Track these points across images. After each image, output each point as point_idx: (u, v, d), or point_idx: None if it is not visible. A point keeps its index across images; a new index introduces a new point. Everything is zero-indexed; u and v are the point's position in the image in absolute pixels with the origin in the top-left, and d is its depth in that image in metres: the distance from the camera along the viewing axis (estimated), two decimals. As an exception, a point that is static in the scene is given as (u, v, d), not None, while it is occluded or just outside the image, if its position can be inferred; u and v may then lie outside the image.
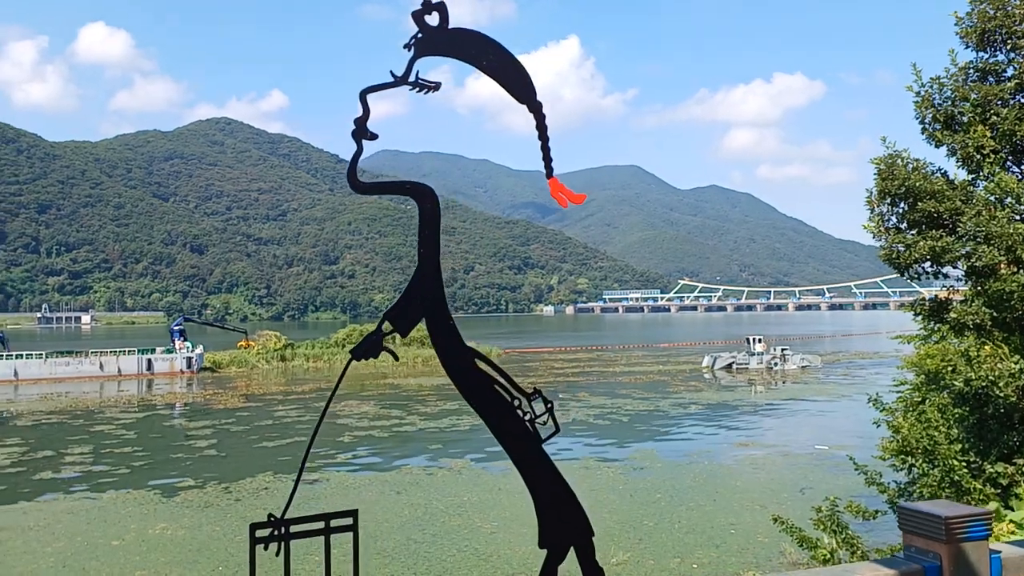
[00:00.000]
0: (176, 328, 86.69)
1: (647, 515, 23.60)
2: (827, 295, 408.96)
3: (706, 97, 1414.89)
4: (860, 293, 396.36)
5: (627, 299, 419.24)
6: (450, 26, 5.49)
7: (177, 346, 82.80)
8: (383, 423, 44.32)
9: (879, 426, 12.42)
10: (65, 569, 19.40)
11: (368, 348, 5.24)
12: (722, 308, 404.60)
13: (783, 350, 76.13)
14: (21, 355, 77.21)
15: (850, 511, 12.52)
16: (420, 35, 5.46)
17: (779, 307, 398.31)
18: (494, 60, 5.56)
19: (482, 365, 5.38)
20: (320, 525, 5.00)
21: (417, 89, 5.44)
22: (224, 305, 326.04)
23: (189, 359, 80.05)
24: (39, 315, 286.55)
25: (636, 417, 45.60)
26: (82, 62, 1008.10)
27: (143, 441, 40.25)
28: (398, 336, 5.27)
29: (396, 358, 5.49)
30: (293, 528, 4.95)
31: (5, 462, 34.80)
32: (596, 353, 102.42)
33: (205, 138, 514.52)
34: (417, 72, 5.41)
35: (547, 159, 5.73)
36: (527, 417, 5.26)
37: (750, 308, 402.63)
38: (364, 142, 5.38)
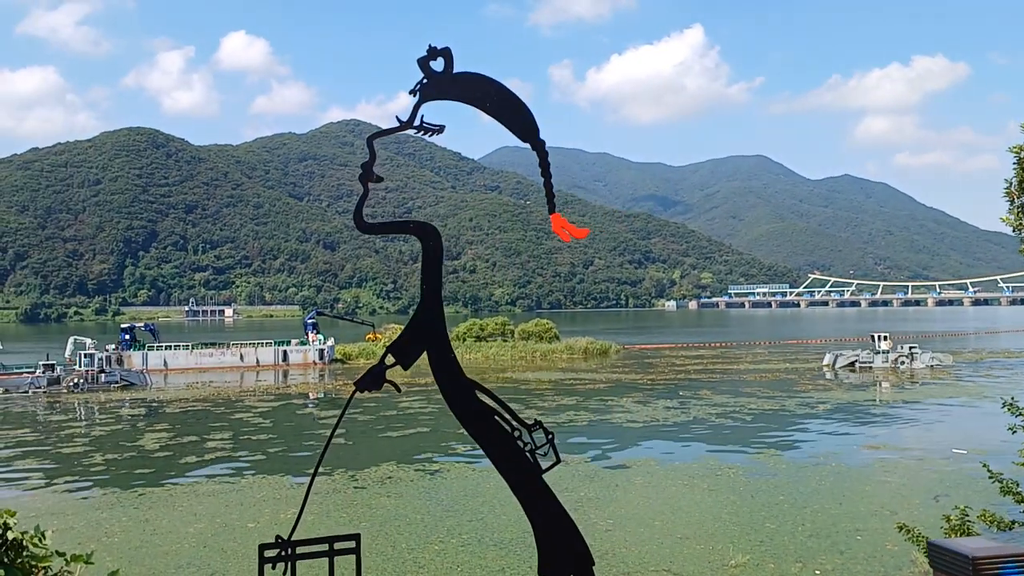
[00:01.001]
0: (309, 321, 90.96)
1: (769, 517, 22.95)
2: (970, 290, 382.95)
3: (838, 83, 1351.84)
4: (1007, 287, 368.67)
5: (754, 294, 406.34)
6: (455, 70, 5.72)
7: (310, 338, 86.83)
8: (502, 417, 44.93)
9: (1015, 432, 11.61)
10: (205, 549, 20.81)
11: (371, 380, 5.47)
12: (855, 303, 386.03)
13: (911, 348, 71.77)
14: (170, 346, 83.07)
15: (984, 520, 11.79)
16: (425, 81, 5.71)
17: (917, 302, 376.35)
18: (498, 102, 5.75)
19: (483, 397, 5.54)
20: (324, 547, 5.30)
21: (422, 132, 5.71)
22: (354, 299, 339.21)
23: (321, 351, 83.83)
24: (187, 308, 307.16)
25: (760, 416, 44.30)
26: (224, 69, 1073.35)
27: (278, 429, 42.50)
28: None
29: (398, 390, 5.67)
30: (299, 550, 5.23)
31: (155, 446, 37.60)
32: (720, 350, 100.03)
33: (336, 140, 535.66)
34: (422, 116, 5.66)
35: (549, 196, 5.92)
36: (527, 448, 5.38)
37: (886, 303, 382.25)
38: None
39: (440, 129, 5.96)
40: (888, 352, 71.57)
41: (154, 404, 55.07)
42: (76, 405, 55.82)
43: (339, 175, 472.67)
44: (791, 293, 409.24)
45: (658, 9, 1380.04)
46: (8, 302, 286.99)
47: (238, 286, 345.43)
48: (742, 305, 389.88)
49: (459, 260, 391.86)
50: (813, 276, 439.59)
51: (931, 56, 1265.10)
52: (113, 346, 75.98)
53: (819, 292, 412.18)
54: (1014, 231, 13.48)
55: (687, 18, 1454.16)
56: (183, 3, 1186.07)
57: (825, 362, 73.15)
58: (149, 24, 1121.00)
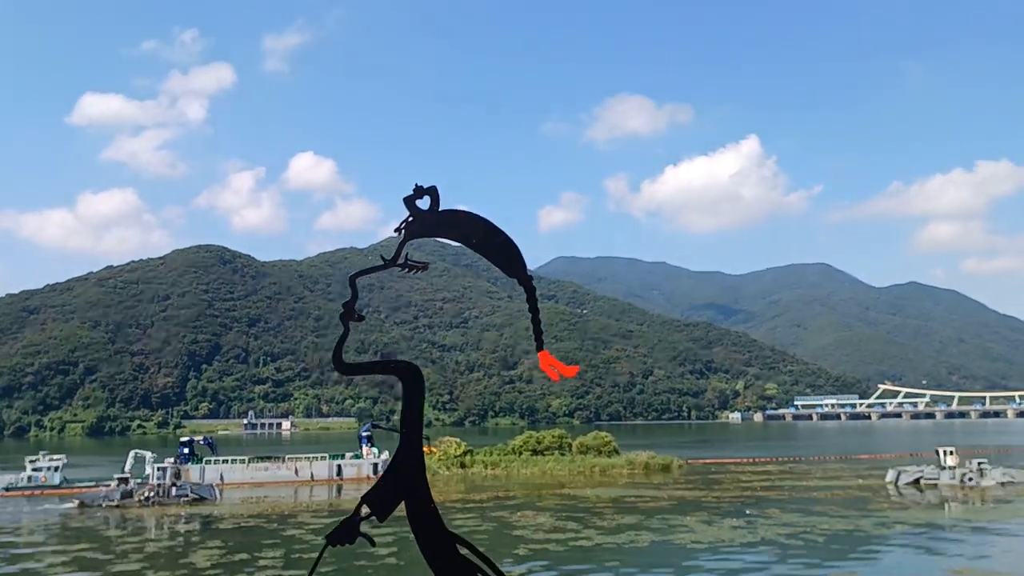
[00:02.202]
0: (364, 434, 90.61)
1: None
2: (1016, 401, 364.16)
3: (899, 190, 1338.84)
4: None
5: (822, 406, 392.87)
6: (441, 207, 5.58)
7: (364, 452, 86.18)
8: (559, 536, 43.15)
9: None
10: None
11: (344, 533, 5.04)
12: (930, 415, 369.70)
13: (979, 463, 67.27)
14: (227, 460, 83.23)
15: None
16: (411, 219, 5.60)
17: (996, 414, 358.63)
18: (483, 238, 5.58)
19: (464, 551, 5.06)
20: None
21: (407, 270, 5.57)
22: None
23: (375, 464, 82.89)
24: (245, 421, 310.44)
25: (833, 537, 41.59)
26: (292, 188, 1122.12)
27: (329, 548, 41.36)
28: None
29: (372, 544, 5.26)
30: None
31: (206, 564, 36.89)
32: (788, 465, 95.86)
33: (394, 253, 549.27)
34: (407, 255, 5.53)
35: (537, 333, 5.72)
36: None
37: (962, 415, 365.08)
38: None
39: (424, 267, 5.87)
40: (955, 468, 67.33)
41: (210, 519, 54.65)
42: (144, 519, 55.92)
43: (397, 287, 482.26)
44: (861, 405, 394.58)
45: (713, 122, 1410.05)
46: (76, 415, 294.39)
47: (296, 398, 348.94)
48: (810, 417, 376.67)
49: (515, 370, 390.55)
50: (884, 387, 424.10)
51: (995, 161, 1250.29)
52: (172, 460, 76.46)
53: (891, 404, 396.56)
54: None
55: (743, 129, 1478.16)
56: (257, 127, 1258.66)
57: (888, 479, 69.06)
58: (223, 147, 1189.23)
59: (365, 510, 5.13)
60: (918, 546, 39.09)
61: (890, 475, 69.31)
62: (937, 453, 71.40)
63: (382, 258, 5.63)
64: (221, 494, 67.97)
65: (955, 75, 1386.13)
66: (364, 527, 5.55)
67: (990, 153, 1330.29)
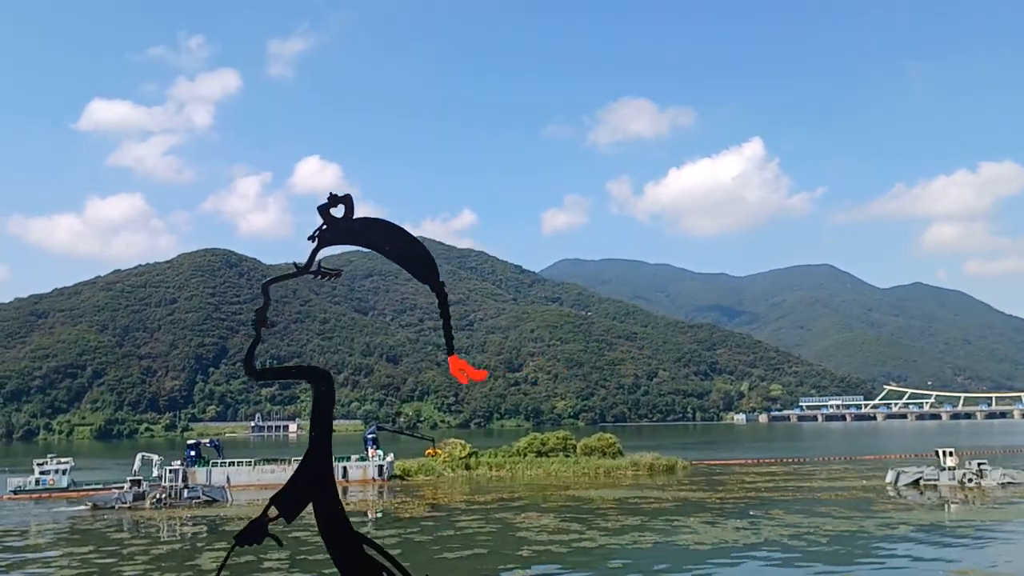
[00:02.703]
0: (370, 436, 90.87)
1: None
2: None
3: (902, 192, 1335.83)
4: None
5: (827, 407, 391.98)
6: (355, 215, 5.72)
7: (370, 454, 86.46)
8: (562, 537, 43.37)
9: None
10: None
11: (252, 534, 5.10)
12: (936, 416, 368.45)
13: (979, 464, 67.22)
14: (233, 462, 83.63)
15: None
16: (325, 227, 5.72)
17: (1003, 414, 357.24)
18: (398, 245, 5.75)
19: (371, 552, 5.20)
20: None
21: (320, 277, 5.72)
22: (416, 413, 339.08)
23: (380, 467, 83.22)
24: (252, 424, 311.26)
25: (836, 539, 41.74)
26: (298, 193, 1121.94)
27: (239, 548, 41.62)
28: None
29: (280, 544, 5.40)
30: None
31: (212, 565, 37.19)
32: (792, 466, 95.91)
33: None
34: (319, 262, 5.67)
35: (448, 337, 5.84)
36: None
37: (968, 416, 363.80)
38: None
39: (337, 274, 6.07)
40: (954, 469, 67.29)
41: (217, 521, 55.00)
42: (154, 521, 56.33)
43: (403, 290, 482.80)
44: (866, 406, 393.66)
45: (716, 124, 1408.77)
46: (84, 418, 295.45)
47: (303, 401, 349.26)
48: (815, 418, 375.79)
49: (520, 372, 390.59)
50: (888, 388, 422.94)
51: (999, 162, 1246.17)
52: (179, 462, 76.82)
53: (896, 404, 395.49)
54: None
55: (745, 132, 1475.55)
56: (262, 132, 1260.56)
57: (888, 480, 69.07)
58: (229, 152, 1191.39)
59: (273, 511, 5.29)
60: (921, 547, 39.22)
61: (889, 476, 69.32)
62: (937, 454, 71.36)
63: (295, 265, 5.84)
64: (232, 496, 68.48)
65: (958, 76, 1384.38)
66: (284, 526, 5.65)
67: (994, 154, 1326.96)
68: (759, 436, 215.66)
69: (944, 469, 67.44)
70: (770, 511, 52.79)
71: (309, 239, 5.96)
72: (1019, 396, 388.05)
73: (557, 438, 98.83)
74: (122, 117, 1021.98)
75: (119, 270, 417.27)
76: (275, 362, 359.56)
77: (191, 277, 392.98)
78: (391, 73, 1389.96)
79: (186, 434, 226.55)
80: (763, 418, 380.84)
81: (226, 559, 5.95)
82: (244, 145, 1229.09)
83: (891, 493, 63.63)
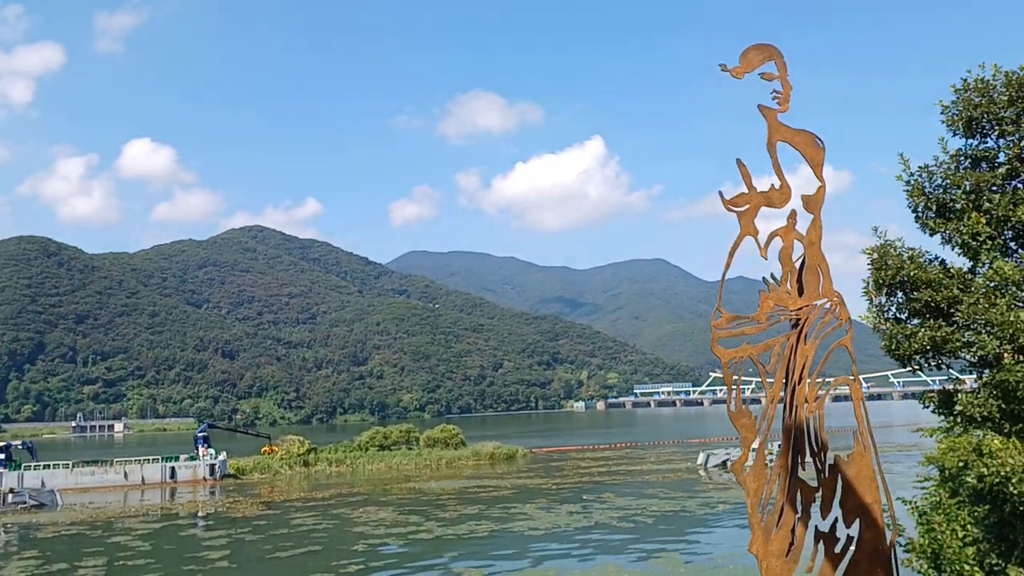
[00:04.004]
0: (200, 435, 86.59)
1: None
2: (864, 385, 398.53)
3: (732, 190, 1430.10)
4: (898, 383, 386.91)
5: (658, 393, 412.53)
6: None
7: (200, 453, 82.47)
8: (399, 530, 43.21)
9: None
10: None
11: None
12: (756, 401, 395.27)
13: (779, 445, 73.41)
14: (48, 465, 77.28)
15: None
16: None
17: (879, 396, 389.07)
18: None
19: None
20: None
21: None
22: (254, 410, 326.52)
23: (212, 466, 79.51)
24: (73, 424, 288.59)
25: (661, 518, 44.05)
26: (126, 177, 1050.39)
27: (157, 553, 39.49)
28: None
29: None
30: None
31: (16, 578, 34.27)
32: (625, 451, 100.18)
33: (238, 246, 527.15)
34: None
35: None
36: None
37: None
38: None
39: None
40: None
41: (28, 528, 50.76)
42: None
43: (240, 281, 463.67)
44: (694, 392, 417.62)
45: (561, 122, 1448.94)
46: None
47: (129, 399, 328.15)
48: (648, 404, 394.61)
49: (365, 366, 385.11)
50: (714, 375, 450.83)
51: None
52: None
53: (720, 390, 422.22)
54: (874, 329, 13.97)
55: (588, 130, 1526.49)
56: (89, 112, 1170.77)
57: (699, 462, 73.97)
58: (51, 131, 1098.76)
59: None
60: (740, 523, 42.03)
61: (700, 458, 74.23)
62: None
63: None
64: (63, 500, 64.11)
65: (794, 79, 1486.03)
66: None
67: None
68: (597, 423, 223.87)
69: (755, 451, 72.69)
70: (602, 495, 54.91)
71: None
72: (827, 381, 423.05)
73: (400, 431, 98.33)
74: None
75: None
76: (98, 358, 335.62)
77: (4, 266, 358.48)
78: (232, 52, 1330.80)
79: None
80: (600, 405, 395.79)
81: None
82: (67, 124, 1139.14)
83: (702, 474, 67.81)
